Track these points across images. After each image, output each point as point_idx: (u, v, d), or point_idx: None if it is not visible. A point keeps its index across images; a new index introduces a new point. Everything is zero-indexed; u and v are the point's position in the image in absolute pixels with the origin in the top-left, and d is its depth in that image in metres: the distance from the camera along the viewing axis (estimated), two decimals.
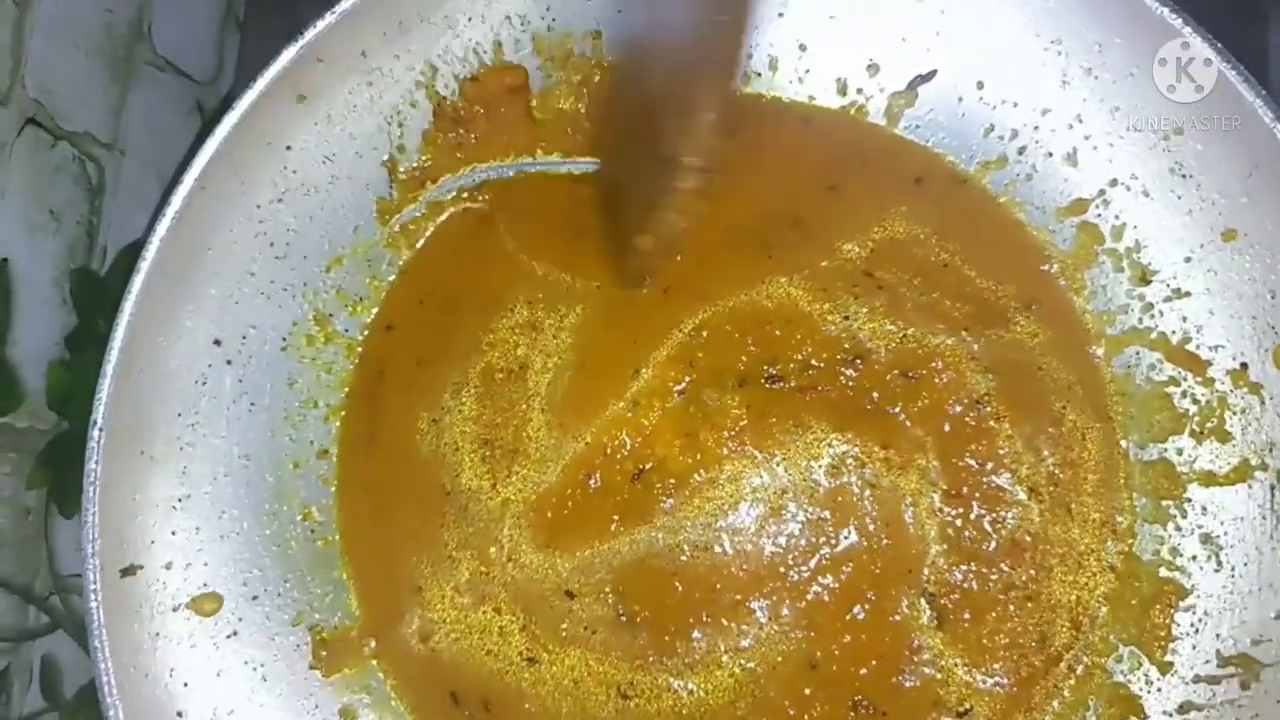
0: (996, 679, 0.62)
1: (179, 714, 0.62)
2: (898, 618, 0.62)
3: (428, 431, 0.67)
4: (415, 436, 0.67)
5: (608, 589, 0.63)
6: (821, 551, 0.62)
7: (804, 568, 0.62)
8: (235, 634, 0.64)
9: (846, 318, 0.65)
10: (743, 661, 0.62)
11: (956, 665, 0.62)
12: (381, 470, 0.68)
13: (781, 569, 0.62)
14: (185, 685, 0.62)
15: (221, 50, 0.87)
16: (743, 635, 0.62)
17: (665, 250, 0.64)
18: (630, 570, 0.63)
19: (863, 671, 0.62)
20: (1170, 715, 0.61)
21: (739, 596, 0.62)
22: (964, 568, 0.62)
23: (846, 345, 0.64)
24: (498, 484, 0.65)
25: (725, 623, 0.62)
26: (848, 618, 0.62)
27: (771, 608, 0.62)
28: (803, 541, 0.62)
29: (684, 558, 0.62)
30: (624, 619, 0.63)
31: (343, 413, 0.69)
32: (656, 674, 0.62)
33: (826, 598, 0.62)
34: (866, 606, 0.62)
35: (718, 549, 0.62)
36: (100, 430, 0.60)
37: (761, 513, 0.63)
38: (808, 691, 0.62)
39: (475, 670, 0.64)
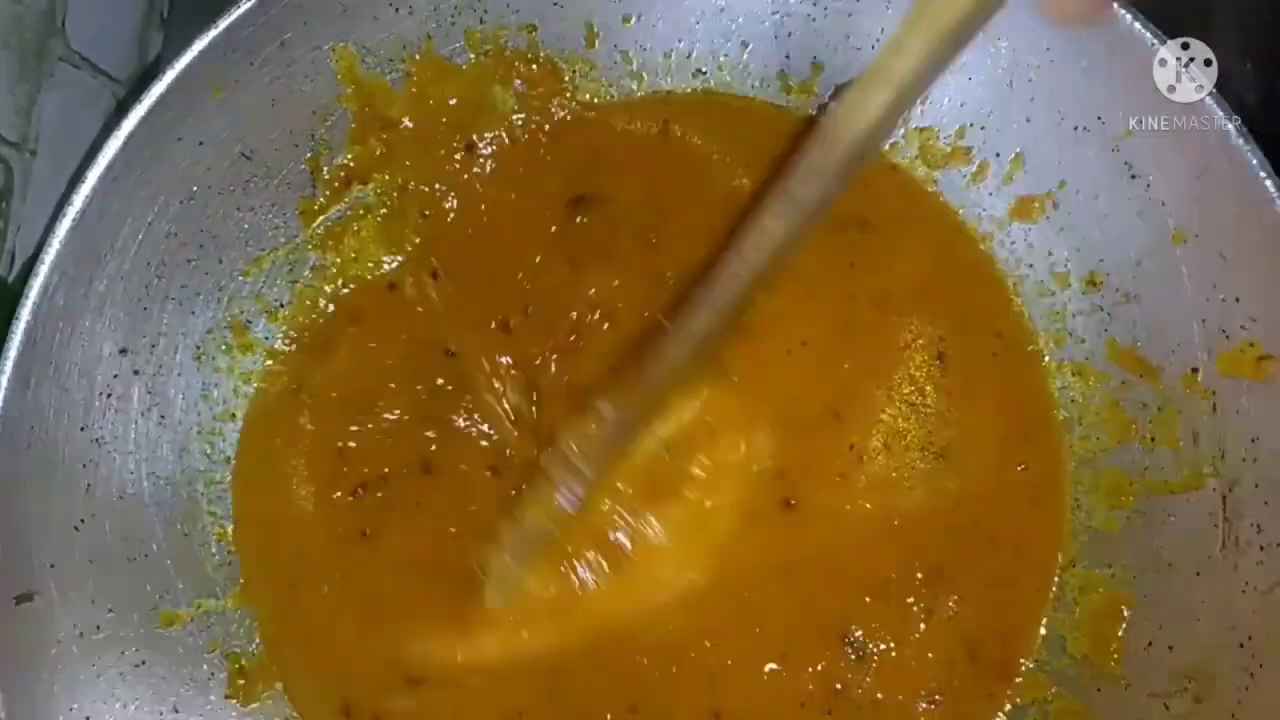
0: (931, 699, 0.60)
1: None
2: (818, 667, 0.59)
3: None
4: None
5: None
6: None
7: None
8: (144, 664, 0.60)
9: None
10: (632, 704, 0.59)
11: (887, 695, 0.59)
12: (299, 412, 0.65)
13: (669, 625, 0.59)
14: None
15: (143, 47, 0.83)
16: (627, 680, 0.59)
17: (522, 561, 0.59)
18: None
19: None
20: None
21: (619, 640, 0.59)
22: (884, 608, 0.60)
23: None
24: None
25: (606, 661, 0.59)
26: (757, 673, 0.59)
27: (659, 661, 0.59)
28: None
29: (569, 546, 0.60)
30: None
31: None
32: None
33: (729, 660, 0.59)
34: (776, 664, 0.59)
35: (599, 570, 0.59)
36: None
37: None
38: None
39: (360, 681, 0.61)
